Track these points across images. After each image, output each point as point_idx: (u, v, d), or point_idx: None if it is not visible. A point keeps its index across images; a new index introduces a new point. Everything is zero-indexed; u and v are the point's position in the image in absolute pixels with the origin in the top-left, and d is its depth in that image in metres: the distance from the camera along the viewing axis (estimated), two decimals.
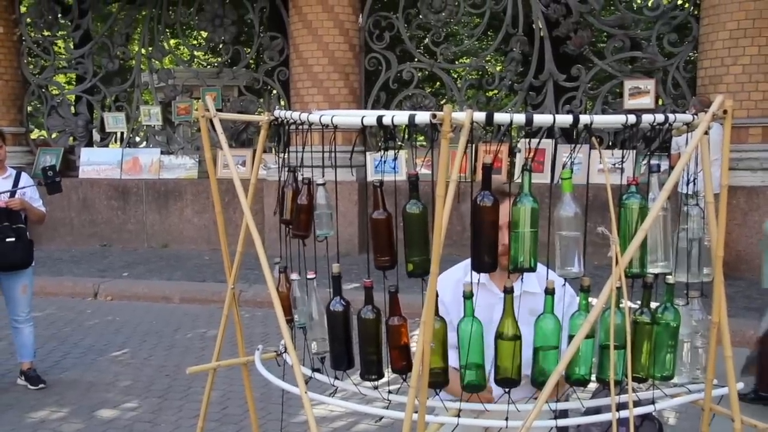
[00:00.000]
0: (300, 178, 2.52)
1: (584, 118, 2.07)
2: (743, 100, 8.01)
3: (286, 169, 2.56)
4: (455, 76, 16.59)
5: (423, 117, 2.03)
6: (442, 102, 11.51)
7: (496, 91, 13.27)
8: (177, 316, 7.33)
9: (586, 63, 10.08)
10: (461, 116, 1.97)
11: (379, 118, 2.14)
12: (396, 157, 9.29)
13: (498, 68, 11.82)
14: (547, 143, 8.93)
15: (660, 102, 8.96)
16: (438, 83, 14.62)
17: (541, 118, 2.06)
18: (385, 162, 9.15)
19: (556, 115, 2.07)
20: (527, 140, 8.13)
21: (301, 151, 2.50)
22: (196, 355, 5.94)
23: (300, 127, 2.43)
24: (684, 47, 8.95)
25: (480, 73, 15.23)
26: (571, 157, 2.22)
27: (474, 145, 2.22)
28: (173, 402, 4.90)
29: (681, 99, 8.95)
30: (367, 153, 9.80)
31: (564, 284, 2.27)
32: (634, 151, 2.55)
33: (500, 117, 2.03)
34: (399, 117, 2.12)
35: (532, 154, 2.22)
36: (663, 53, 9.16)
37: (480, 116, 2.02)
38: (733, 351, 2.22)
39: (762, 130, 8.07)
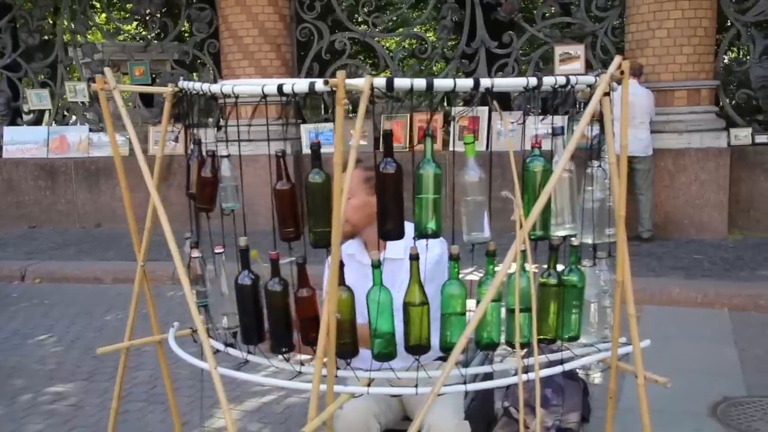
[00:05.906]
0: (205, 151, 2.46)
1: (485, 82, 2.06)
2: (669, 63, 8.14)
3: (192, 142, 2.51)
4: (390, 45, 16.50)
5: (321, 85, 1.99)
6: (371, 72, 11.43)
7: (430, 60, 13.20)
8: (109, 296, 7.15)
9: (517, 30, 10.12)
10: (359, 82, 1.93)
11: (280, 87, 2.09)
12: (321, 129, 9.24)
13: (431, 37, 11.77)
14: (483, 111, 8.96)
15: (591, 67, 9.04)
16: (374, 53, 14.49)
17: (442, 83, 2.04)
18: (318, 134, 9.09)
19: (457, 80, 2.05)
20: (452, 108, 8.12)
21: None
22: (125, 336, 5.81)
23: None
24: (611, 12, 9.04)
25: (415, 42, 15.15)
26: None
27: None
28: (99, 384, 4.79)
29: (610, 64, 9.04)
30: (302, 126, 9.69)
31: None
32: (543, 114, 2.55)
33: (400, 82, 2.00)
34: (299, 85, 2.08)
35: (431, 121, 2.19)
36: (592, 18, 9.24)
37: (380, 82, 1.99)
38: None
39: (687, 93, 8.22)
